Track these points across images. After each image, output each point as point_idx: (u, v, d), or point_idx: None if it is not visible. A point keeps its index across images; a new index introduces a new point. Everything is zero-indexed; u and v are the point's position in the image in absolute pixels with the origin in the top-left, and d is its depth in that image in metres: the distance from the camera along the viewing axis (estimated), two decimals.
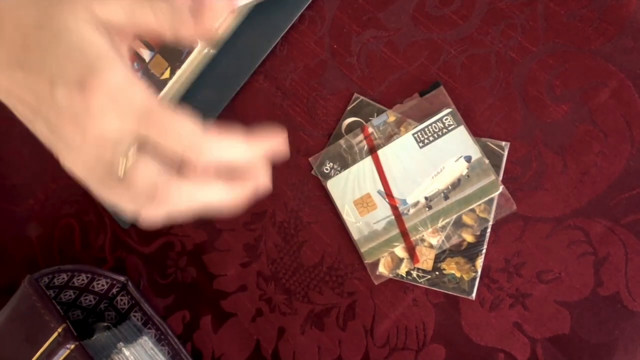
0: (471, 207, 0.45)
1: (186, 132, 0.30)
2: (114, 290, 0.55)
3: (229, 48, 0.53)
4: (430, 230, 0.46)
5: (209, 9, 0.33)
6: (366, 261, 0.48)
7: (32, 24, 0.32)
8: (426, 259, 0.46)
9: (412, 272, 0.47)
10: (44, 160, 0.63)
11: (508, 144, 0.45)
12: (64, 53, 0.31)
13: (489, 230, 0.45)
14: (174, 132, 0.30)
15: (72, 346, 0.44)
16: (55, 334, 0.44)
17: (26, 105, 0.35)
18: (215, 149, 0.31)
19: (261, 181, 0.35)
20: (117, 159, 0.31)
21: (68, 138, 0.33)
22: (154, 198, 0.31)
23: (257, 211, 0.53)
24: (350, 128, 0.50)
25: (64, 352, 0.44)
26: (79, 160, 0.34)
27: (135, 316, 0.55)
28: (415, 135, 0.47)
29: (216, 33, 0.35)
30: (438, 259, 0.46)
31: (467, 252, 0.45)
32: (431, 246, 0.46)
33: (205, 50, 0.52)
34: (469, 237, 0.45)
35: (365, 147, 0.48)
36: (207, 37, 0.34)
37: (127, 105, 0.31)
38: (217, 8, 0.34)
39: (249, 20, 0.52)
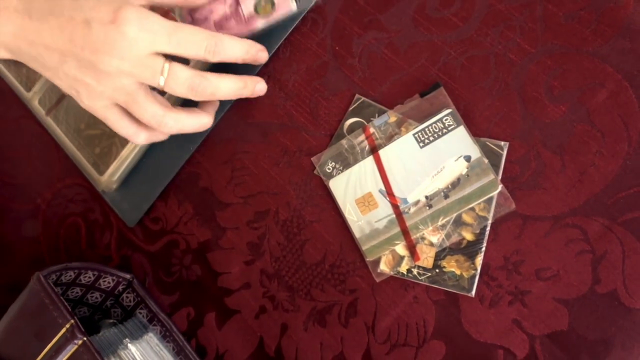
0: (471, 205, 0.46)
1: (202, 36, 0.42)
2: (120, 288, 0.56)
3: None
4: (430, 228, 0.47)
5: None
6: (367, 259, 0.49)
7: None
8: (426, 257, 0.47)
9: (412, 269, 0.47)
10: (51, 160, 0.64)
11: (507, 143, 0.46)
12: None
13: (488, 228, 0.46)
14: (193, 38, 0.42)
15: (80, 342, 0.45)
16: (64, 330, 0.45)
17: (55, 51, 0.41)
18: (227, 48, 0.44)
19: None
20: (157, 68, 0.42)
21: (104, 68, 0.40)
22: (192, 90, 0.44)
23: (260, 210, 0.54)
24: (352, 128, 0.50)
25: (71, 348, 0.45)
26: (105, 93, 0.42)
27: (140, 313, 0.56)
28: (416, 135, 0.48)
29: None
30: (438, 256, 0.47)
31: (467, 250, 0.46)
32: (431, 244, 0.47)
33: None
34: (468, 236, 0.46)
35: (367, 147, 0.49)
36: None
37: (154, 26, 0.40)
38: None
39: None
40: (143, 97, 0.43)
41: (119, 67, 0.40)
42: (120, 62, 0.40)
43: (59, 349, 0.45)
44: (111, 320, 0.57)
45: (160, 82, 0.42)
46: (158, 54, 0.42)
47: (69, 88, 0.44)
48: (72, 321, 0.45)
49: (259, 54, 0.48)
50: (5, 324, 0.48)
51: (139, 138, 0.47)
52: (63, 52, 0.41)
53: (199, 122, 0.48)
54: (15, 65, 0.61)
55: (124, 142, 0.55)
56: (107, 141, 0.57)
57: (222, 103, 0.54)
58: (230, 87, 0.47)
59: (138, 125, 0.47)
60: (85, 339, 0.45)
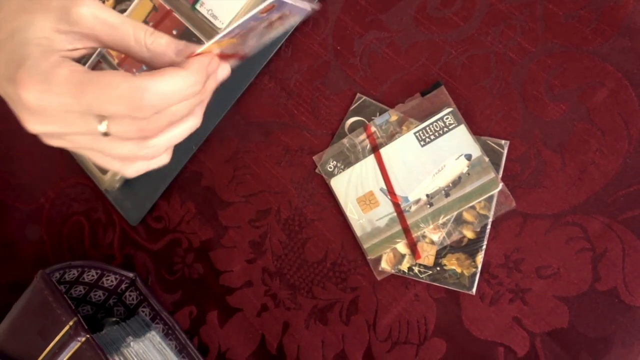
0: (471, 204, 0.46)
1: (122, 92, 0.31)
2: (123, 286, 0.57)
3: None
4: (431, 226, 0.47)
5: (194, 49, 0.34)
6: (369, 257, 0.49)
7: (2, 18, 0.33)
8: (427, 255, 0.47)
9: (413, 267, 0.48)
10: (54, 160, 0.64)
11: (508, 142, 0.46)
12: (10, 49, 0.32)
13: (489, 226, 0.46)
14: (112, 91, 0.31)
15: (83, 339, 0.45)
16: (67, 327, 0.45)
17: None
18: (160, 92, 0.32)
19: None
20: (90, 128, 0.32)
21: (33, 130, 0.33)
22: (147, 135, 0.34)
23: (262, 208, 0.54)
24: (353, 127, 0.51)
25: (75, 345, 0.45)
26: (66, 144, 0.35)
27: (143, 311, 0.56)
28: (417, 134, 0.48)
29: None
30: (439, 255, 0.47)
31: (468, 248, 0.46)
32: (432, 242, 0.47)
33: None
34: (469, 234, 0.46)
35: (368, 145, 0.50)
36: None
37: (57, 88, 0.31)
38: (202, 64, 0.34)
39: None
40: (103, 142, 0.34)
41: (45, 128, 0.33)
42: (41, 124, 0.33)
43: (62, 346, 0.45)
44: (114, 319, 0.57)
45: (104, 135, 0.34)
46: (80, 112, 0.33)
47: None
48: (76, 318, 0.45)
49: (215, 73, 0.37)
50: (9, 321, 0.48)
51: (130, 170, 0.38)
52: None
53: (187, 126, 0.38)
54: None
55: None
56: None
57: (223, 103, 0.54)
58: (180, 90, 0.34)
59: (122, 159, 0.37)
60: (88, 336, 0.45)
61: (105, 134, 0.33)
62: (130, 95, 0.31)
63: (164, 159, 0.39)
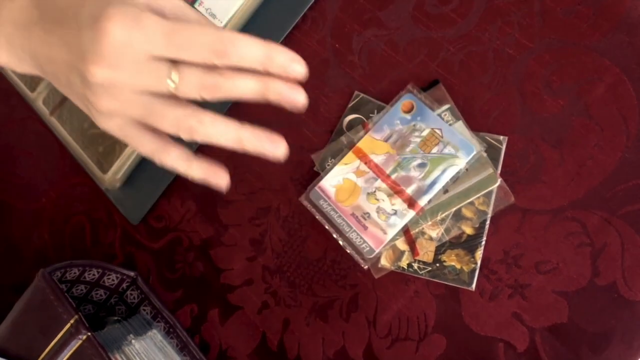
0: (470, 200, 0.46)
1: (208, 33, 0.33)
2: (124, 285, 0.57)
3: None
4: (430, 223, 0.47)
5: None
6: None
7: None
8: (427, 252, 0.47)
9: (413, 264, 0.48)
10: (55, 160, 0.65)
11: (506, 138, 0.46)
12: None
13: (488, 222, 0.46)
14: (198, 37, 0.33)
15: (84, 337, 0.45)
16: (68, 325, 0.46)
17: (60, 62, 0.36)
18: (237, 49, 0.33)
19: (295, 94, 0.37)
20: (160, 79, 0.34)
21: (95, 81, 0.34)
22: (205, 89, 0.35)
23: (262, 206, 0.54)
24: (352, 125, 0.51)
25: (76, 343, 0.46)
26: (111, 109, 0.35)
27: (144, 310, 0.57)
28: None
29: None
30: (438, 251, 0.47)
31: (467, 244, 0.46)
32: (431, 239, 0.47)
33: None
34: (468, 230, 0.46)
35: None
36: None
37: (147, 26, 0.32)
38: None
39: (253, 22, 0.54)
40: (158, 104, 0.36)
41: (112, 78, 0.34)
42: (111, 72, 0.34)
43: (63, 344, 0.46)
44: (115, 318, 0.57)
45: (170, 88, 0.35)
46: (158, 57, 0.34)
47: (85, 108, 0.38)
48: (77, 316, 0.46)
49: (287, 61, 0.36)
50: (11, 320, 0.49)
51: (169, 155, 0.37)
52: (68, 64, 0.36)
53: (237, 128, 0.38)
54: None
55: None
56: (110, 140, 0.57)
57: (223, 101, 0.55)
58: (251, 87, 0.37)
59: (163, 139, 0.38)
60: (89, 334, 0.46)
61: (167, 93, 0.34)
62: (219, 42, 0.33)
63: (196, 170, 0.39)
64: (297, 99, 0.37)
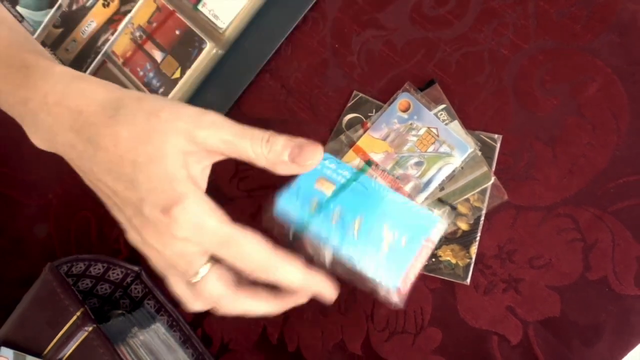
0: (465, 197, 0.47)
1: (258, 256, 0.36)
2: (129, 280, 0.58)
3: (237, 49, 0.56)
4: None
5: (308, 153, 0.37)
6: None
7: (133, 136, 0.35)
8: None
9: None
10: (62, 157, 0.66)
11: (500, 136, 0.48)
12: (155, 177, 0.34)
13: (482, 218, 0.47)
14: (247, 256, 0.35)
15: (90, 329, 0.47)
16: (74, 317, 0.47)
17: (111, 202, 0.39)
18: (280, 272, 0.36)
19: (325, 295, 0.40)
20: (191, 271, 0.36)
21: (150, 243, 0.36)
22: (215, 305, 0.37)
23: (263, 203, 0.55)
24: (351, 124, 0.52)
25: (82, 335, 0.47)
26: (159, 260, 0.37)
27: (148, 304, 0.58)
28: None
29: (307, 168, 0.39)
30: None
31: (462, 240, 0.48)
32: None
33: (214, 51, 0.55)
34: (463, 226, 0.48)
35: None
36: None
37: (205, 234, 0.34)
38: (314, 152, 0.38)
39: (255, 23, 0.55)
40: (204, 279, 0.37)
41: (162, 251, 0.36)
42: (162, 248, 0.35)
43: (70, 335, 0.47)
44: (120, 311, 0.59)
45: (191, 280, 0.37)
46: (204, 255, 0.36)
47: (133, 239, 0.40)
48: (83, 309, 0.47)
49: (324, 290, 0.39)
50: (19, 312, 0.50)
51: (194, 306, 0.39)
52: (117, 207, 0.39)
53: (267, 308, 0.39)
54: None
55: None
56: None
57: (226, 100, 0.56)
58: (266, 309, 0.39)
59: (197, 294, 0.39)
60: (95, 326, 0.47)
61: (195, 280, 0.36)
62: (266, 262, 0.36)
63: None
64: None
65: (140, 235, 0.36)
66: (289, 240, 0.44)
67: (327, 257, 0.43)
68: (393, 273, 0.41)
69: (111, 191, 0.38)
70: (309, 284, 0.38)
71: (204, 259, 0.36)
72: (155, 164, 0.34)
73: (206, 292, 0.36)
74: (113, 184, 0.37)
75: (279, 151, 0.37)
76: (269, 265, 0.36)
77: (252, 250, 0.35)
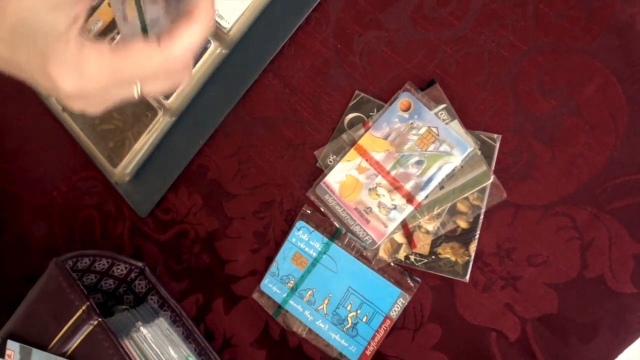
0: (465, 195, 0.48)
1: (155, 64, 0.32)
2: (132, 275, 0.59)
3: (241, 48, 0.56)
4: (426, 217, 0.49)
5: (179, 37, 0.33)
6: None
7: None
8: (423, 244, 0.49)
9: (410, 256, 0.50)
10: (66, 154, 0.67)
11: (500, 136, 0.48)
12: (21, 38, 0.31)
13: (481, 217, 0.48)
14: (146, 69, 0.33)
15: (95, 322, 0.48)
16: (80, 312, 0.48)
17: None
18: (186, 59, 0.33)
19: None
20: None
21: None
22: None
23: (265, 200, 0.56)
24: (353, 123, 0.53)
25: (87, 328, 0.48)
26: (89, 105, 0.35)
27: (152, 299, 0.59)
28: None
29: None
30: (434, 244, 0.49)
31: (462, 238, 0.48)
32: (428, 232, 0.49)
33: (218, 51, 0.55)
34: (463, 224, 0.48)
35: None
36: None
37: (91, 72, 0.32)
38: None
39: (259, 23, 0.56)
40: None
41: (89, 106, 0.35)
42: (85, 104, 0.34)
43: (75, 329, 0.48)
44: (124, 306, 0.59)
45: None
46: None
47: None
48: (88, 303, 0.48)
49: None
50: (25, 306, 0.51)
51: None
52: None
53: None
54: None
55: (136, 136, 0.58)
56: (120, 135, 0.59)
57: (229, 99, 0.57)
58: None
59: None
60: (100, 319, 0.48)
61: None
62: (164, 66, 0.33)
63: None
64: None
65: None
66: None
67: (304, 330, 0.52)
68: (355, 346, 0.50)
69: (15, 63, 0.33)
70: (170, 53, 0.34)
71: (126, 85, 0.33)
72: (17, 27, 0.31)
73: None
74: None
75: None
76: (171, 56, 0.33)
77: (143, 57, 0.32)
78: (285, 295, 0.53)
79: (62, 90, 0.32)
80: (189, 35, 0.34)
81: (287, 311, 0.53)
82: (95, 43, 0.32)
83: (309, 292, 0.51)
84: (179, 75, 0.35)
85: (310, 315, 0.52)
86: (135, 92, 0.35)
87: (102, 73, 0.32)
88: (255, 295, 0.54)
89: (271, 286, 0.53)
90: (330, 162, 0.53)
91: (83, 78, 0.32)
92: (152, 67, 0.33)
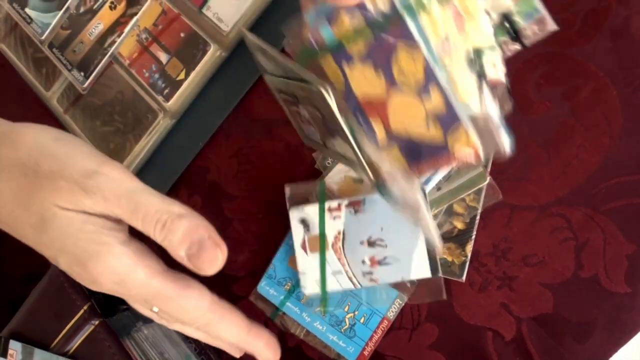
0: (461, 196, 0.49)
1: (192, 309, 0.33)
2: None
3: (240, 51, 0.57)
4: None
5: (206, 258, 0.33)
6: None
7: (13, 199, 0.31)
8: None
9: None
10: None
11: None
12: (56, 236, 0.31)
13: (478, 217, 0.49)
14: (180, 310, 0.33)
15: (97, 322, 0.48)
16: (82, 311, 0.49)
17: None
18: (218, 328, 0.34)
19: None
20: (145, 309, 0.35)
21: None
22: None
23: (265, 201, 0.57)
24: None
25: (89, 328, 0.48)
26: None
27: None
28: None
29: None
30: None
31: (458, 238, 0.49)
32: None
33: (218, 53, 0.56)
34: (459, 224, 0.49)
35: None
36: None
37: (131, 289, 0.32)
38: (213, 259, 0.33)
39: (259, 26, 0.56)
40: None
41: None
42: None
43: (77, 329, 0.49)
44: (124, 307, 0.60)
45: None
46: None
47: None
48: (90, 303, 0.49)
49: (263, 353, 0.37)
50: (27, 306, 0.52)
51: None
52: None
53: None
54: (35, 65, 0.64)
55: (137, 137, 0.59)
56: (121, 138, 0.60)
57: (229, 101, 0.57)
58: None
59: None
60: (102, 319, 0.48)
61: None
62: (199, 319, 0.34)
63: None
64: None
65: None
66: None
67: (302, 331, 0.53)
68: (353, 347, 0.50)
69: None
70: (248, 344, 0.36)
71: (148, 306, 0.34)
72: (48, 224, 0.31)
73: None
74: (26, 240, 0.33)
75: (175, 245, 0.32)
76: (206, 320, 0.34)
77: (187, 304, 0.33)
78: (282, 297, 0.53)
79: (99, 286, 0.32)
80: (231, 326, 0.35)
81: (284, 313, 0.54)
82: (148, 262, 0.32)
83: (305, 295, 0.52)
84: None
85: (307, 317, 0.53)
86: (151, 314, 0.35)
87: (143, 291, 0.32)
88: (252, 298, 0.55)
89: (268, 289, 0.54)
90: (329, 163, 0.53)
91: (123, 287, 0.31)
92: (183, 316, 0.33)
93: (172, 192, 0.61)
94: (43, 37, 0.61)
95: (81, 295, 0.49)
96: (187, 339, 0.57)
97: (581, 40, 0.48)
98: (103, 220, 0.31)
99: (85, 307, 0.49)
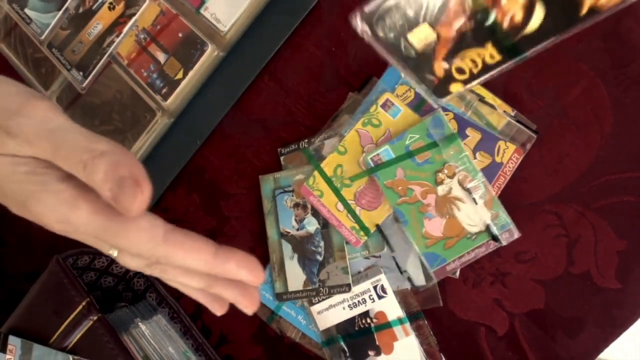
0: None
1: (145, 241, 0.29)
2: (131, 273, 0.60)
3: (237, 51, 0.58)
4: None
5: (128, 194, 0.27)
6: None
7: None
8: None
9: None
10: None
11: None
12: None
13: None
14: (133, 243, 0.29)
15: (96, 318, 0.49)
16: (80, 307, 0.49)
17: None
18: (179, 258, 0.30)
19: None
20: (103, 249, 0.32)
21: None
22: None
23: (261, 199, 0.57)
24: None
25: (88, 323, 0.49)
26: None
27: (150, 296, 0.60)
28: None
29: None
30: None
31: None
32: None
33: (215, 53, 0.57)
34: None
35: None
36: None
37: (77, 227, 0.29)
38: (133, 194, 0.27)
39: (256, 26, 0.57)
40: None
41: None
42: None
43: (76, 324, 0.49)
44: (123, 303, 0.61)
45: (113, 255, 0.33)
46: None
47: None
48: (88, 299, 0.49)
49: (234, 269, 0.32)
50: (27, 302, 0.52)
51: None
52: None
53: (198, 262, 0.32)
54: (34, 65, 0.65)
55: (135, 136, 0.59)
56: (119, 136, 0.61)
57: (226, 101, 0.58)
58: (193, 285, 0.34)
59: None
60: (100, 315, 0.49)
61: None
62: (150, 254, 0.30)
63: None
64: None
65: None
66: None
67: (298, 334, 0.54)
68: None
69: None
70: (217, 268, 0.31)
71: (104, 245, 0.31)
72: None
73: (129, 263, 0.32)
74: None
75: (98, 184, 0.28)
76: (164, 251, 0.30)
77: (139, 236, 0.29)
78: (278, 301, 0.54)
79: (49, 228, 0.30)
80: (193, 250, 0.30)
81: (280, 317, 0.54)
82: (89, 197, 0.29)
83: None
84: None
85: (303, 320, 0.53)
86: (110, 251, 0.32)
87: (90, 228, 0.29)
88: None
89: (264, 292, 0.54)
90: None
91: (69, 226, 0.29)
92: (138, 249, 0.29)
93: (170, 190, 0.62)
94: (42, 37, 0.62)
95: (80, 291, 0.50)
96: (185, 335, 0.58)
97: (572, 40, 0.49)
98: (35, 160, 0.29)
99: (83, 303, 0.49)
